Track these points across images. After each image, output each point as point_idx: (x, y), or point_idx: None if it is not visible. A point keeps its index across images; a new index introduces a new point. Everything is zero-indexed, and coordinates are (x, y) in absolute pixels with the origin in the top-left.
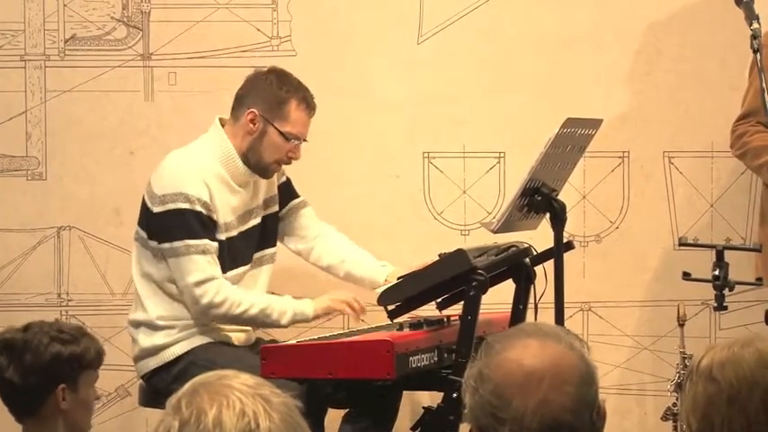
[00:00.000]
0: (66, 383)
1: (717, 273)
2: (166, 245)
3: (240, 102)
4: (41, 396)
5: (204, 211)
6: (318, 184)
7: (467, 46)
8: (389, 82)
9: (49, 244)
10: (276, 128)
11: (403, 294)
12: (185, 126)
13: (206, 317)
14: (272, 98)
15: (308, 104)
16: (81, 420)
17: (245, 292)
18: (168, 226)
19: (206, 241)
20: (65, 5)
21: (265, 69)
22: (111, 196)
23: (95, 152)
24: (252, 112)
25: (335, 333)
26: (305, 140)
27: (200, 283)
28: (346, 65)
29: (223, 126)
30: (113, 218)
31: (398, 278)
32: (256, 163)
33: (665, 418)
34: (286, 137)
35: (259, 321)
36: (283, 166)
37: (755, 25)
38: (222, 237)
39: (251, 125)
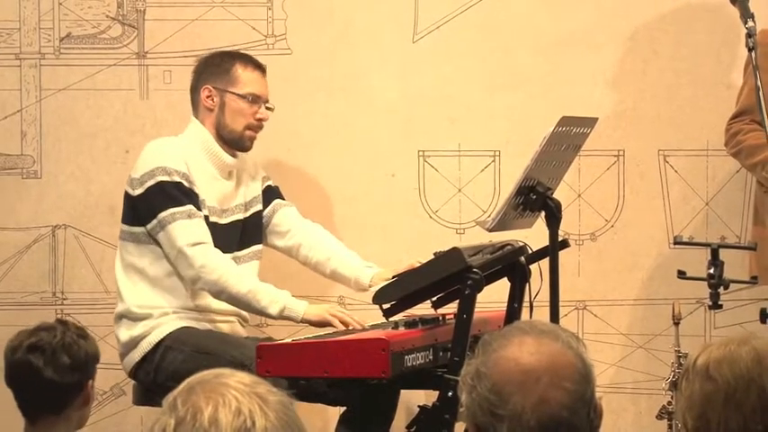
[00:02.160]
0: (92, 379)
1: (712, 271)
2: (153, 221)
3: (194, 89)
4: (76, 393)
5: (185, 182)
6: (314, 183)
7: (462, 44)
8: (385, 80)
9: (44, 242)
10: (232, 92)
11: (398, 293)
12: (180, 124)
13: (197, 283)
14: (218, 70)
15: (255, 64)
16: (88, 413)
17: (240, 269)
18: (151, 201)
19: (190, 207)
20: (60, 4)
21: (205, 54)
22: (106, 195)
23: (91, 150)
24: (206, 88)
25: (331, 332)
26: (270, 107)
27: (192, 245)
28: (341, 63)
29: None
30: (108, 216)
31: (393, 277)
32: (230, 136)
33: (659, 416)
34: (245, 98)
35: (246, 302)
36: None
37: (750, 24)
38: (205, 213)
39: (209, 101)
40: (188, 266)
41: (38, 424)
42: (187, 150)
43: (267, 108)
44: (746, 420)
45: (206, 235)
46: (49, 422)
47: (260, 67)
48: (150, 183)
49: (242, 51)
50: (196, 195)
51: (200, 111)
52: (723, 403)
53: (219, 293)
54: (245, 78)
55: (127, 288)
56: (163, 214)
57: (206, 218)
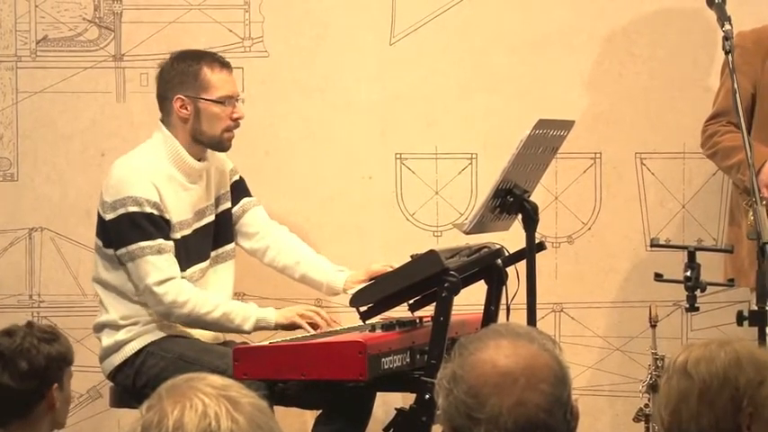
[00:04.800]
0: (57, 383)
1: (688, 274)
2: (122, 250)
3: (163, 98)
4: (37, 398)
5: (155, 212)
6: (291, 185)
7: (439, 47)
8: (362, 83)
9: (20, 245)
10: (205, 99)
11: (375, 296)
12: (156, 127)
13: (170, 318)
14: (185, 77)
15: (221, 63)
16: (63, 417)
17: (209, 294)
18: (121, 231)
19: (160, 241)
20: (36, 6)
21: (166, 60)
22: (82, 197)
23: (67, 153)
24: (178, 98)
25: (308, 334)
26: (241, 100)
27: (160, 283)
28: (319, 66)
29: None
30: (85, 219)
31: (371, 279)
32: (209, 140)
33: (636, 419)
34: (218, 102)
35: (221, 325)
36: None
37: (727, 27)
38: (177, 236)
39: (183, 111)
40: (157, 303)
41: (7, 428)
42: (155, 166)
43: (238, 99)
44: (718, 419)
45: (174, 269)
46: (16, 427)
47: (226, 66)
48: (121, 211)
49: (202, 50)
50: (167, 223)
51: (172, 119)
52: (697, 400)
53: (193, 324)
54: (215, 81)
55: (108, 301)
56: (132, 247)
57: (176, 241)
